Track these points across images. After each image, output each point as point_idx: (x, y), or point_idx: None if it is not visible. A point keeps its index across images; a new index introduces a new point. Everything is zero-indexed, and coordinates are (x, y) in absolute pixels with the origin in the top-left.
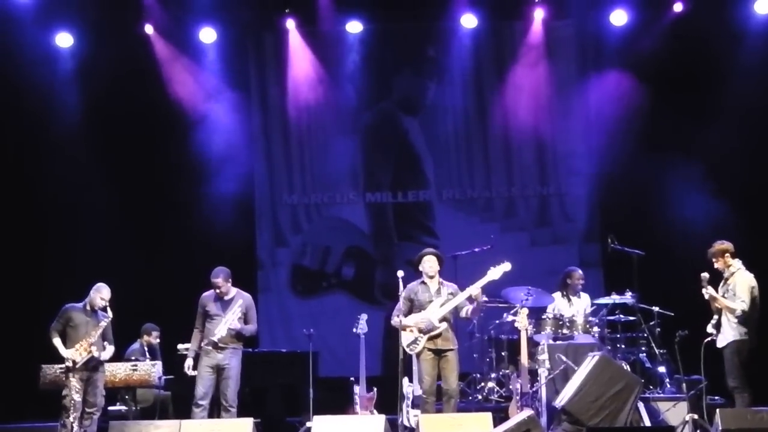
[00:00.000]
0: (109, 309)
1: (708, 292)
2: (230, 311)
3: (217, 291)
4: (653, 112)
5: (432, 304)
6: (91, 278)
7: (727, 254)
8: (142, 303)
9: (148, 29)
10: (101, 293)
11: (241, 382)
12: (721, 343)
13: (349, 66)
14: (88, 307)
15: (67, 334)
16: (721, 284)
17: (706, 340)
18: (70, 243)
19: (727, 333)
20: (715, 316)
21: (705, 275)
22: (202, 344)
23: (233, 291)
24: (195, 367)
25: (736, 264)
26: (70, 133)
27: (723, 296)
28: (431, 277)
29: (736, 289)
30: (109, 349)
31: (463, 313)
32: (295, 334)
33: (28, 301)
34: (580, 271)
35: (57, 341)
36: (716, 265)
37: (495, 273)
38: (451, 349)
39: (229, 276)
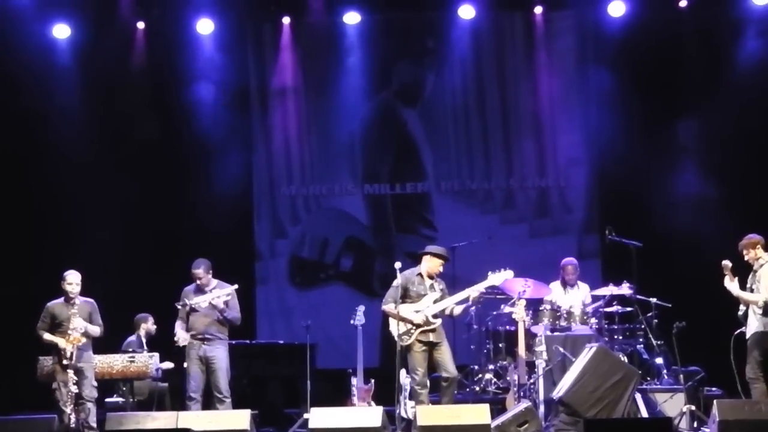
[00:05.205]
0: (77, 296)
1: (729, 284)
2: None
3: (198, 282)
4: (652, 104)
5: (426, 297)
6: (88, 269)
7: (759, 246)
8: (139, 295)
9: (140, 25)
10: (67, 280)
11: (239, 374)
12: (747, 333)
13: (347, 57)
14: (66, 299)
15: (55, 329)
16: (750, 276)
17: (735, 332)
18: (68, 233)
19: (752, 324)
20: (742, 307)
21: (726, 263)
22: (188, 337)
23: (213, 282)
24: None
25: (766, 256)
26: (68, 123)
27: (751, 287)
28: (430, 277)
29: (761, 281)
30: (95, 329)
31: (447, 311)
32: (293, 326)
33: (26, 292)
34: (571, 266)
35: (48, 336)
36: (746, 257)
37: (496, 279)
38: (441, 342)
39: (210, 268)
